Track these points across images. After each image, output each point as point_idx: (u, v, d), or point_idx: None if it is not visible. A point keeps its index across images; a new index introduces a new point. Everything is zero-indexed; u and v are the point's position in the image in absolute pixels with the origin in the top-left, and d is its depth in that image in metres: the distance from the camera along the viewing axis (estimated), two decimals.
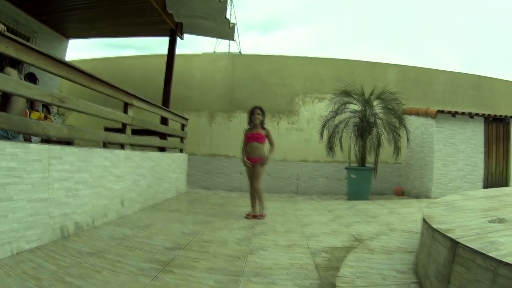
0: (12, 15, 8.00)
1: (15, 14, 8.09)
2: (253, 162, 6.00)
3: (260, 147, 6.03)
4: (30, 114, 4.87)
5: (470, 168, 10.50)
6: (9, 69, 3.90)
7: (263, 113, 6.03)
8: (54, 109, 7.52)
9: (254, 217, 5.85)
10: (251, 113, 6.04)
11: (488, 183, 10.66)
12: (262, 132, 6.03)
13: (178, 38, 9.28)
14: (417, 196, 10.85)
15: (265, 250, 3.88)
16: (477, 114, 10.59)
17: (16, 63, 4.19)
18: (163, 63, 9.15)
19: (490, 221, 2.51)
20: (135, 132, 6.31)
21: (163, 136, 8.01)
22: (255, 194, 6.06)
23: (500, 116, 10.90)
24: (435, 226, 2.38)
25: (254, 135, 6.00)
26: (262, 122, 6.05)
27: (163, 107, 7.73)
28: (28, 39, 8.38)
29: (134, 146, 6.02)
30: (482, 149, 10.62)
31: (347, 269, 2.95)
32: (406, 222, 5.66)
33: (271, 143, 6.11)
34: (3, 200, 2.92)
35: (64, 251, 3.24)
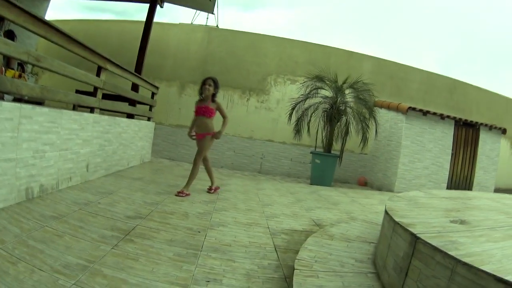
0: None
1: None
2: (199, 138, 5.66)
3: (207, 122, 5.57)
4: (5, 72, 4.78)
5: (435, 168, 10.88)
6: None
7: (215, 84, 5.55)
8: (28, 68, 7.32)
9: (180, 193, 5.37)
10: (203, 84, 5.55)
11: (452, 185, 11.12)
12: (212, 106, 5.56)
13: (158, 6, 9.11)
14: (379, 188, 11.13)
15: (225, 226, 3.97)
16: (448, 116, 10.93)
17: None
18: (139, 30, 8.97)
19: (451, 221, 2.58)
20: (106, 96, 6.24)
21: (132, 102, 7.95)
22: (208, 167, 5.92)
23: (471, 121, 11.34)
24: (397, 219, 2.45)
25: (202, 109, 5.57)
26: (213, 95, 5.56)
27: (135, 73, 7.63)
28: None
29: (103, 111, 5.97)
30: (449, 151, 10.98)
31: (306, 252, 3.01)
32: (367, 213, 5.82)
33: (223, 116, 5.68)
34: None
35: (28, 214, 3.26)
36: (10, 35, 5.32)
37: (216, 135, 5.61)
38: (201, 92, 5.59)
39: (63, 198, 4.04)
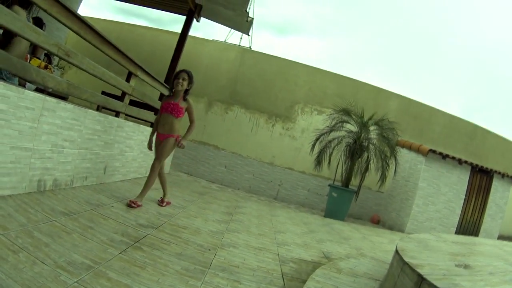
0: None
1: None
2: (161, 139, 4.75)
3: (174, 122, 4.68)
4: (30, 60, 4.72)
5: (447, 212, 10.81)
6: (17, 8, 3.73)
7: (190, 80, 4.70)
8: (55, 61, 7.31)
9: (132, 203, 4.33)
10: (175, 77, 4.70)
11: (461, 230, 11.03)
12: (182, 104, 4.69)
13: (194, 20, 9.17)
14: (391, 228, 11.01)
15: (236, 247, 3.87)
16: (466, 162, 10.84)
17: (26, 4, 4.00)
18: (173, 41, 9.03)
19: (456, 265, 2.64)
20: (132, 103, 6.21)
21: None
22: (162, 176, 5.05)
23: (486, 168, 11.22)
24: (406, 259, 2.45)
25: (170, 105, 4.66)
26: (186, 92, 4.72)
27: (165, 84, 7.63)
28: None
29: (128, 116, 5.93)
30: (463, 196, 10.92)
31: (313, 283, 3.03)
32: (377, 250, 5.75)
33: (191, 120, 4.86)
34: None
35: (37, 205, 3.17)
36: (39, 22, 5.15)
37: (179, 144, 4.75)
38: (172, 86, 4.79)
39: (76, 196, 3.96)
